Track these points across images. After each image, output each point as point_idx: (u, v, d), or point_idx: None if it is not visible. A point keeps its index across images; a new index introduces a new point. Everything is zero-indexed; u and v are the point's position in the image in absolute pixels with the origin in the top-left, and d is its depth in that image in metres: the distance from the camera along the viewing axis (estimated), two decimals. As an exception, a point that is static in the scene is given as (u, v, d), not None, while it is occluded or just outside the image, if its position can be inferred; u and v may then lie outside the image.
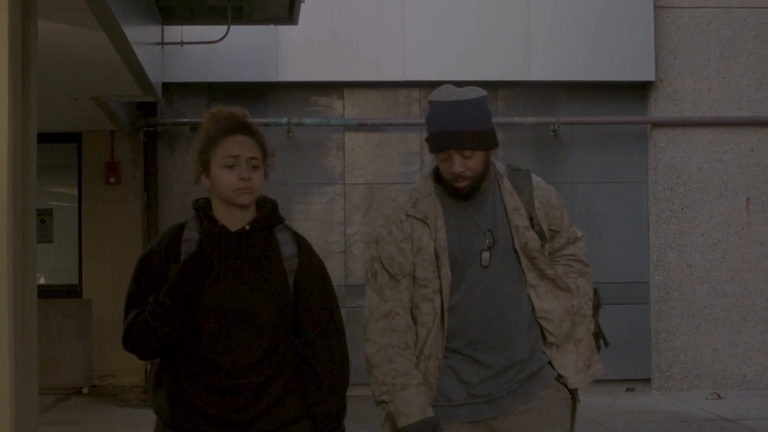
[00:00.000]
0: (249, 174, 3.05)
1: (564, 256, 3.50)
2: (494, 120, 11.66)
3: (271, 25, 9.42)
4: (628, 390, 10.54)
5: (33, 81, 4.90)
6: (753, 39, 10.76)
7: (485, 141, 3.26)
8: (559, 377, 3.37)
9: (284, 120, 10.33)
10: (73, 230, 10.83)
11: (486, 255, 3.29)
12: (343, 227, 10.47)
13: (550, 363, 3.37)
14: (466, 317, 3.29)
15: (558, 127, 10.45)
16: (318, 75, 10.43)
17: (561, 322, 3.36)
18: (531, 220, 3.35)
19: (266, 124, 10.08)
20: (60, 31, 5.87)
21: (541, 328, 3.37)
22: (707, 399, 9.96)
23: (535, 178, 3.46)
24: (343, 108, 10.69)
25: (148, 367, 10.36)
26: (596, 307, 3.54)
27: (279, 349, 3.08)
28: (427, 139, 3.31)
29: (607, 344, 3.54)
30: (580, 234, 3.55)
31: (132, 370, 10.29)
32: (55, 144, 10.59)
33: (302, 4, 8.45)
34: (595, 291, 3.54)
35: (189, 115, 10.50)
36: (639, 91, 10.75)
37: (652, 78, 10.61)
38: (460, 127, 3.23)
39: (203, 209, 3.14)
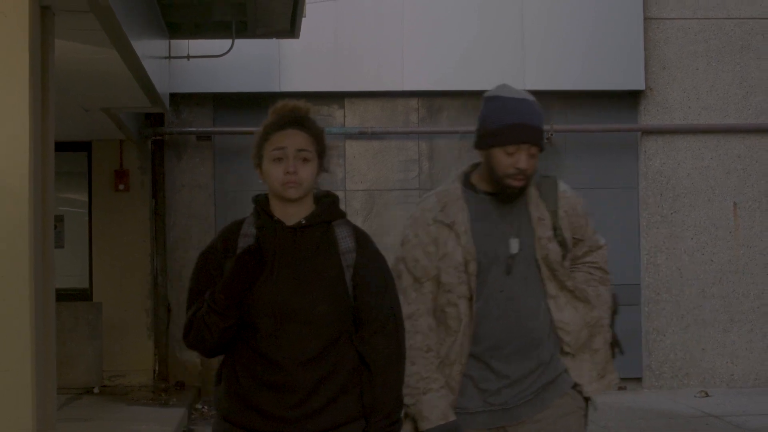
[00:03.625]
0: (296, 167, 2.97)
1: (585, 263, 3.45)
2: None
3: (274, 39, 9.77)
4: (620, 388, 10.84)
5: (51, 95, 5.22)
6: (739, 49, 11.11)
7: (543, 140, 3.27)
8: (575, 385, 3.35)
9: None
10: (84, 236, 11.12)
11: (509, 263, 3.26)
12: (344, 232, 10.79)
13: (566, 371, 3.35)
14: (486, 324, 3.26)
15: (551, 134, 10.78)
16: (319, 85, 10.79)
17: (579, 333, 3.33)
18: (555, 229, 3.31)
19: (269, 133, 10.41)
20: (75, 49, 6.18)
21: (558, 338, 3.34)
22: (695, 397, 10.30)
23: (562, 187, 3.40)
24: (344, 117, 11.06)
25: (156, 368, 10.72)
26: (614, 313, 3.51)
27: (336, 346, 3.00)
28: (489, 133, 3.23)
29: (622, 351, 3.49)
30: (602, 242, 3.50)
31: (141, 370, 10.64)
32: (66, 152, 10.88)
33: (303, 18, 8.80)
34: (614, 296, 3.50)
35: (195, 125, 10.89)
36: (629, 99, 11.11)
37: (642, 87, 10.96)
38: (535, 123, 3.23)
39: (261, 204, 3.07)
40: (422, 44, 10.81)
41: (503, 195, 3.27)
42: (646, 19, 11.01)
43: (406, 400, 3.20)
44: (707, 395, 10.35)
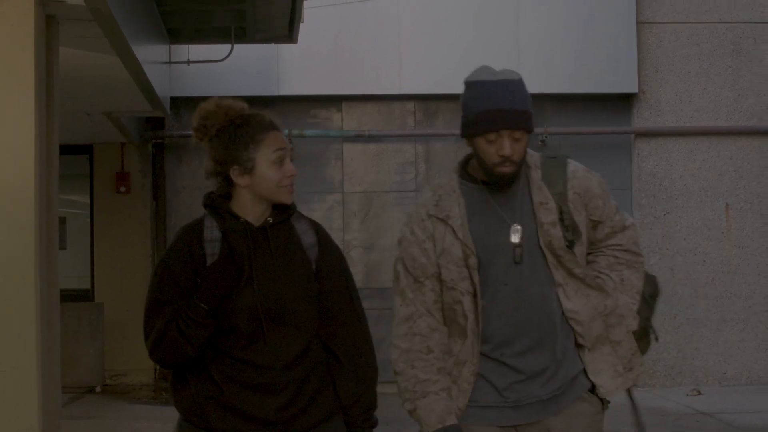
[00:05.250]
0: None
1: (609, 246, 3.19)
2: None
3: (273, 44, 9.92)
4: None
5: (56, 101, 5.39)
6: (731, 53, 11.27)
7: (531, 122, 3.04)
8: (592, 388, 3.12)
9: (285, 132, 10.58)
10: (86, 237, 11.30)
11: (516, 252, 3.05)
12: (342, 233, 10.96)
13: (584, 371, 3.12)
14: (494, 320, 3.06)
15: (546, 137, 10.91)
16: (318, 89, 10.95)
17: (590, 323, 3.10)
18: (561, 213, 3.08)
19: (268, 136, 10.56)
20: (78, 55, 6.34)
21: (571, 328, 3.12)
22: (687, 395, 10.45)
23: (572, 167, 3.15)
24: (342, 120, 11.22)
25: (157, 368, 10.87)
26: (652, 297, 3.24)
27: (313, 344, 2.97)
28: (470, 122, 3.04)
29: (657, 338, 3.25)
30: (629, 222, 3.22)
31: (142, 369, 10.79)
32: (68, 155, 11.03)
33: (301, 23, 8.94)
34: (653, 279, 3.26)
35: (195, 128, 11.02)
36: (623, 102, 11.26)
37: (635, 90, 11.12)
38: (515, 106, 3.01)
39: (221, 205, 2.95)
40: (419, 49, 10.97)
41: (495, 184, 3.07)
42: (639, 22, 11.16)
43: (407, 405, 3.10)
44: (699, 393, 10.50)
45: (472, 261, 3.05)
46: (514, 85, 3.04)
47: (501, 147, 2.99)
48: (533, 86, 11.22)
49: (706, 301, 11.15)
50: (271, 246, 2.92)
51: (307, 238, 2.99)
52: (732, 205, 11.20)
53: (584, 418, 3.10)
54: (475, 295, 3.06)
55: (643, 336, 3.20)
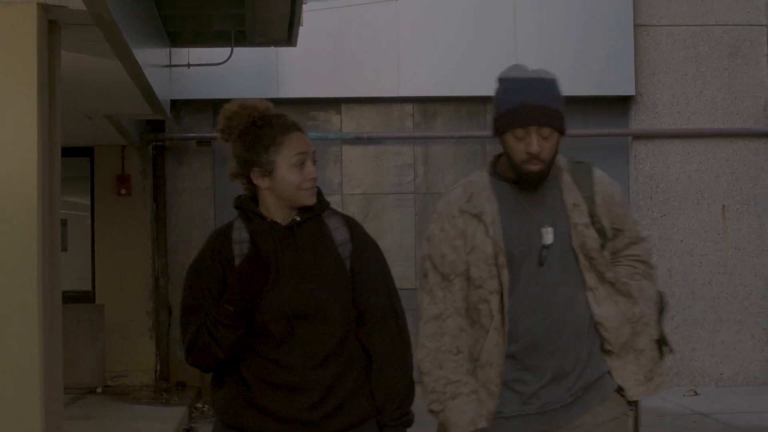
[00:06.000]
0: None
1: (628, 256, 3.19)
2: (483, 133, 12.14)
3: (272, 47, 9.99)
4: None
5: (58, 104, 5.45)
6: (728, 55, 11.34)
7: (562, 123, 3.02)
8: (619, 389, 3.10)
9: (285, 134, 10.86)
10: (86, 239, 11.34)
11: (543, 253, 3.03)
12: (341, 235, 11.01)
13: (609, 372, 3.10)
14: (521, 321, 3.02)
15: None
16: (317, 92, 11.03)
17: (618, 330, 3.07)
18: (592, 217, 3.06)
19: (268, 138, 10.63)
20: (80, 60, 6.40)
21: (599, 334, 3.09)
22: (684, 395, 10.51)
23: (597, 173, 3.16)
24: (341, 122, 11.29)
25: (157, 368, 10.94)
26: (659, 312, 3.23)
27: (347, 343, 2.93)
28: (499, 118, 3.02)
29: (671, 350, 3.22)
30: (644, 234, 3.26)
31: (142, 370, 10.86)
32: (69, 158, 11.09)
33: (300, 27, 9.01)
34: (661, 294, 3.25)
35: (195, 130, 11.12)
36: (620, 104, 11.33)
37: (632, 92, 11.19)
38: (545, 103, 2.98)
39: (248, 206, 2.95)
40: (418, 52, 11.04)
41: (523, 182, 3.03)
42: (636, 25, 11.23)
43: (434, 407, 3.04)
44: (696, 394, 10.56)
45: (501, 259, 3.01)
46: (546, 83, 3.02)
47: (529, 144, 2.95)
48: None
49: (702, 302, 11.22)
50: (298, 245, 2.90)
51: (340, 235, 2.96)
52: (728, 206, 11.27)
53: (610, 418, 3.06)
54: (502, 294, 3.02)
55: (658, 348, 3.18)
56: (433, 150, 11.22)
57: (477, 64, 10.96)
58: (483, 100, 11.03)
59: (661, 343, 3.17)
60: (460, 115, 11.09)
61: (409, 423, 2.99)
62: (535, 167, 2.97)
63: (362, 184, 11.22)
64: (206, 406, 10.12)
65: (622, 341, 3.07)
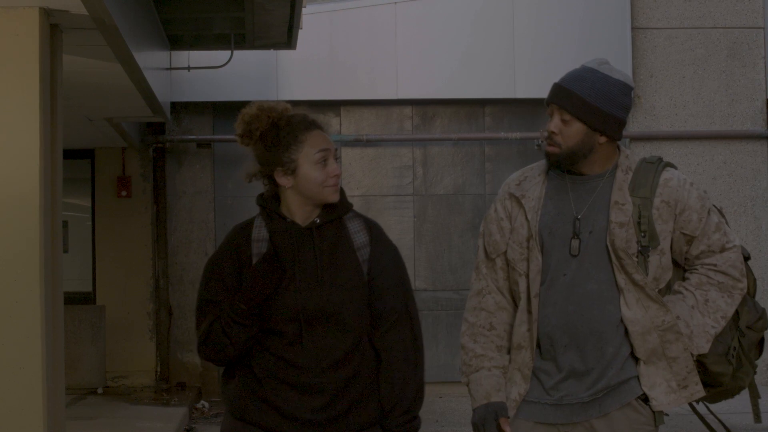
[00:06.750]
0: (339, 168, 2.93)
1: (704, 265, 3.07)
2: (481, 135, 12.13)
3: (272, 50, 10.05)
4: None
5: (59, 107, 5.50)
6: (725, 58, 11.39)
7: (591, 115, 2.98)
8: (645, 398, 3.05)
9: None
10: (87, 240, 11.37)
11: (574, 244, 3.02)
12: (341, 237, 11.05)
13: (637, 379, 3.03)
14: (546, 307, 3.03)
15: (541, 141, 10.96)
16: (316, 94, 11.07)
17: (644, 336, 3.01)
18: (640, 218, 3.00)
19: (268, 141, 10.69)
20: (81, 63, 6.44)
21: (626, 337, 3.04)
22: (682, 396, 10.54)
23: (667, 175, 3.07)
24: (340, 125, 11.34)
25: (158, 369, 10.99)
26: (750, 328, 3.11)
27: (359, 348, 2.95)
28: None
29: (752, 369, 3.18)
30: (731, 244, 3.08)
31: (143, 371, 10.91)
32: (70, 159, 11.13)
33: (300, 30, 9.06)
34: (759, 310, 3.12)
35: (195, 133, 11.17)
36: (618, 107, 11.35)
37: (630, 95, 11.22)
38: (572, 88, 3.01)
39: (270, 205, 2.96)
40: (416, 54, 11.08)
41: (553, 165, 3.06)
42: (633, 28, 11.28)
43: (463, 379, 3.12)
44: (694, 394, 10.58)
45: (533, 243, 3.05)
46: (597, 75, 3.03)
47: (550, 123, 3.01)
48: (529, 91, 11.32)
49: (700, 303, 11.23)
50: (315, 247, 2.90)
51: (359, 238, 2.97)
52: (726, 209, 11.28)
53: (631, 426, 3.02)
54: (528, 278, 3.05)
55: (720, 362, 3.09)
56: (432, 152, 11.27)
57: (475, 67, 11.02)
58: (482, 102, 11.10)
59: (728, 358, 3.08)
60: (459, 117, 11.15)
61: (415, 429, 2.99)
62: (550, 149, 3.02)
63: (361, 186, 11.27)
64: (206, 406, 10.17)
65: (650, 347, 3.01)
